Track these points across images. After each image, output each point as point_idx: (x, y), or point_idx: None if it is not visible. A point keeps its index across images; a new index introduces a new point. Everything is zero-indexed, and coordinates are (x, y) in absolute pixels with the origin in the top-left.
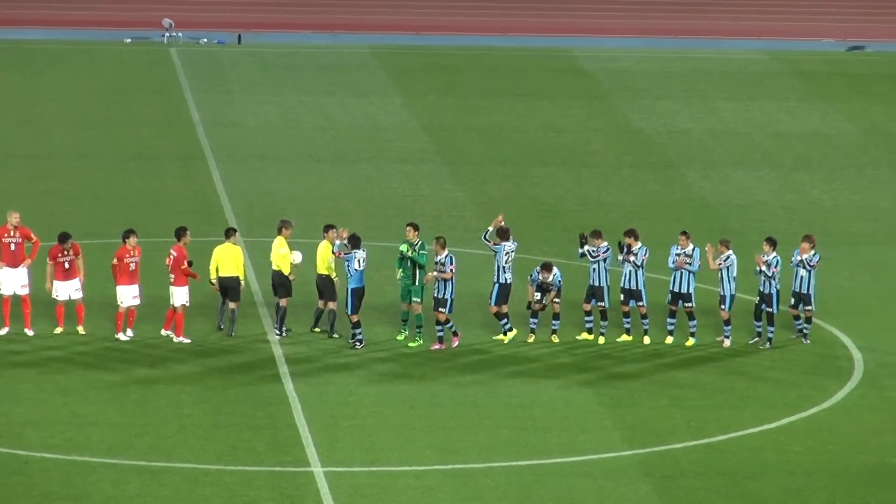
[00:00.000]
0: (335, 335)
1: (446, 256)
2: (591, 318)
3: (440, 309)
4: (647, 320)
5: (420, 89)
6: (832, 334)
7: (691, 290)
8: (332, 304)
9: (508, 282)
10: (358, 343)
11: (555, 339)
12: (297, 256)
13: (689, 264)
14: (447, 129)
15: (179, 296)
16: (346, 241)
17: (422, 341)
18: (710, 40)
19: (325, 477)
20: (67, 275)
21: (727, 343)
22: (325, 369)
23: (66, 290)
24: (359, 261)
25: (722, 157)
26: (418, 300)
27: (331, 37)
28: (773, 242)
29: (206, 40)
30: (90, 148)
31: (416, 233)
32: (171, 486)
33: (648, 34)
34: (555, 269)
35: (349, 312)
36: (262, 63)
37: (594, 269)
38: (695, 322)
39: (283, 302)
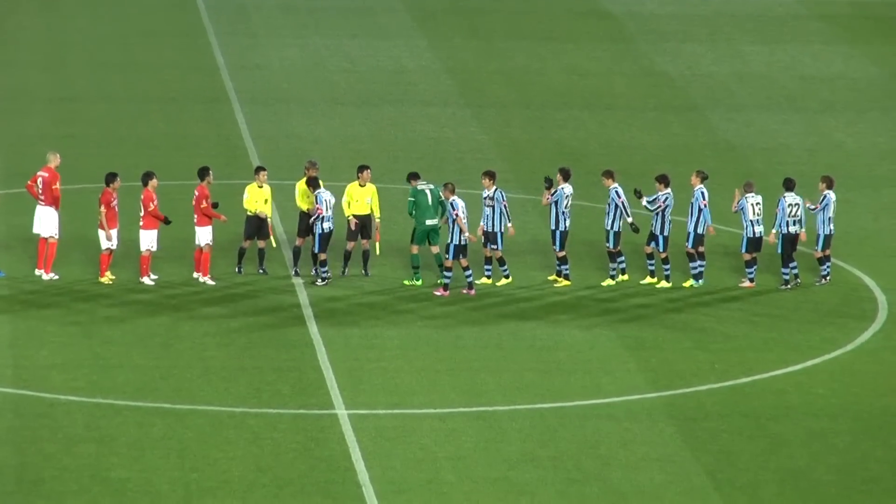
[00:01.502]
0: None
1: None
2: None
3: (445, 255)
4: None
5: (444, 32)
6: (856, 276)
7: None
8: (364, 244)
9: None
10: (320, 280)
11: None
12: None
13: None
14: (471, 72)
15: (202, 236)
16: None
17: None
18: None
19: (350, 419)
20: (116, 220)
21: (746, 284)
22: (349, 312)
23: (114, 236)
24: (327, 202)
25: (746, 101)
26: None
27: None
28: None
29: None
30: (114, 91)
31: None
32: (195, 429)
33: None
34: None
35: (317, 251)
36: (285, 6)
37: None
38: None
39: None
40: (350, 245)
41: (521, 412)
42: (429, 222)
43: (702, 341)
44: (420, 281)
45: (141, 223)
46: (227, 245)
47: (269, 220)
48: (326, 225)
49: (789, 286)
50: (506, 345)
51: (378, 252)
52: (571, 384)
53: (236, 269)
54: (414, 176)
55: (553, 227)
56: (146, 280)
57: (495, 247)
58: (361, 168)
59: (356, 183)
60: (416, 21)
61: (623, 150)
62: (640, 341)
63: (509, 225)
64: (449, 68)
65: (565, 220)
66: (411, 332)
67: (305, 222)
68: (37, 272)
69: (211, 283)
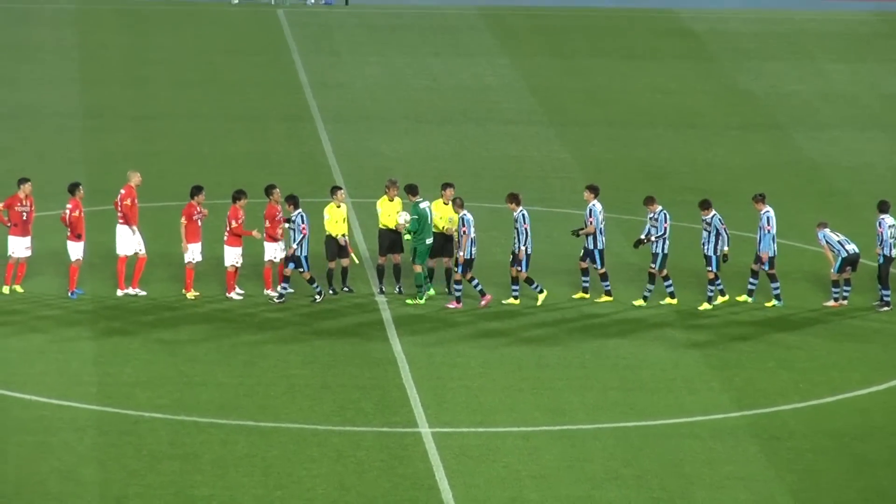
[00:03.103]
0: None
1: (461, 216)
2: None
3: (455, 268)
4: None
5: (527, 50)
6: None
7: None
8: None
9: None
10: (318, 297)
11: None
12: (405, 216)
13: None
14: (554, 90)
15: (272, 251)
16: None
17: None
18: (818, 1)
19: (433, 438)
20: (199, 234)
21: (831, 304)
22: (432, 330)
23: (198, 250)
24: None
25: (830, 119)
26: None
27: None
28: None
29: (313, 1)
30: (197, 109)
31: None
32: (279, 447)
33: None
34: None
35: (304, 270)
36: (368, 24)
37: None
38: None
39: (396, 258)
40: (432, 263)
41: (605, 431)
42: (429, 241)
43: (786, 360)
44: (432, 290)
45: (225, 239)
46: (313, 262)
47: (346, 237)
48: (306, 245)
49: (890, 307)
50: (589, 363)
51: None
52: (655, 403)
53: (329, 291)
54: (413, 190)
55: (591, 247)
56: (233, 295)
57: (520, 268)
58: (445, 186)
59: (440, 201)
60: (499, 39)
61: (707, 169)
62: (723, 360)
63: (522, 248)
64: (532, 86)
65: (601, 237)
66: (494, 351)
67: (388, 240)
68: (119, 293)
69: (290, 290)
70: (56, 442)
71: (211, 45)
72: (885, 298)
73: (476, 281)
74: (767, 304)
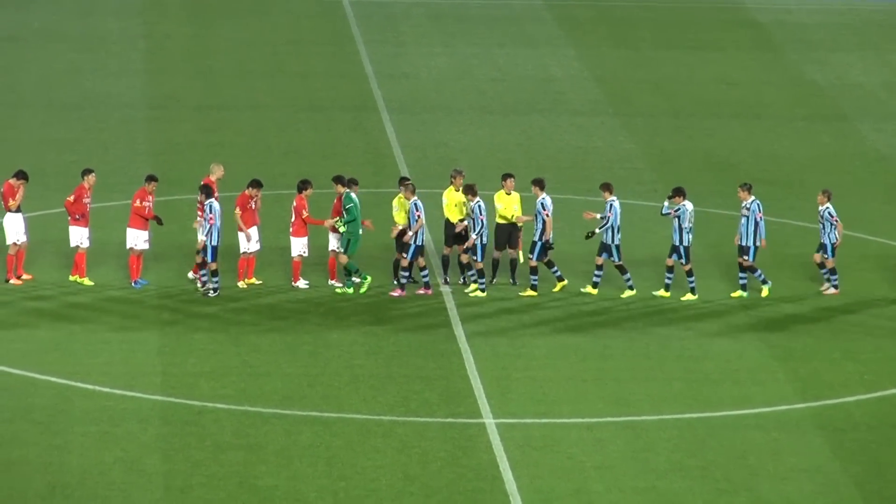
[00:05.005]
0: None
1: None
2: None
3: (403, 254)
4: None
5: (592, 41)
6: None
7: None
8: (506, 252)
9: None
10: (212, 292)
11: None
12: None
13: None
14: (619, 81)
15: (334, 241)
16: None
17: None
18: None
19: (497, 428)
20: (253, 222)
21: (829, 290)
22: (496, 321)
23: (254, 237)
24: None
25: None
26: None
27: None
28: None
29: None
30: (262, 99)
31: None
32: (343, 437)
33: None
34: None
35: (210, 260)
36: (433, 14)
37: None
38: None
39: (512, 253)
40: (497, 254)
41: (669, 422)
42: (360, 231)
43: (851, 351)
44: (369, 279)
45: (291, 230)
46: (378, 254)
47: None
48: (217, 235)
49: None
50: (653, 354)
51: (522, 260)
52: (720, 394)
53: (394, 282)
54: (341, 180)
55: (536, 239)
56: (300, 284)
57: (476, 258)
58: (506, 176)
59: (503, 191)
60: (564, 30)
61: (772, 160)
62: (788, 351)
63: (473, 236)
64: (597, 77)
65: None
66: (558, 342)
67: (452, 230)
68: (190, 275)
69: (337, 285)
70: (120, 432)
71: (276, 36)
72: None
73: (426, 272)
74: (733, 295)
